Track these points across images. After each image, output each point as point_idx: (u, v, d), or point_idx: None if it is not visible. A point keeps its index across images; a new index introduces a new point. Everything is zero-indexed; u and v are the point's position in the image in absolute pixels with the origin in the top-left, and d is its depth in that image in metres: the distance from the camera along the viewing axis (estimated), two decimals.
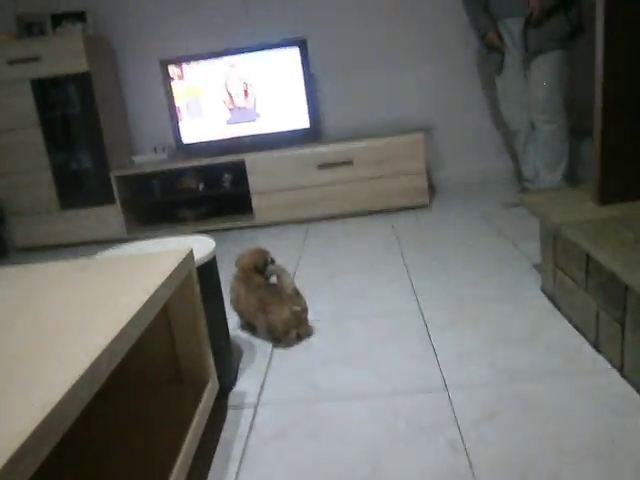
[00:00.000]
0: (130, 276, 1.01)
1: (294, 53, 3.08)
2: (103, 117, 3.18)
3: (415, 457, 1.11)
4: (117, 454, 1.02)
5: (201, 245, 1.41)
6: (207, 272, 1.34)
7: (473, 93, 3.44)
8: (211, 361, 1.23)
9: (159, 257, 1.10)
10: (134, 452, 1.01)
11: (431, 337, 1.59)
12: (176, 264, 1.05)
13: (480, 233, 2.50)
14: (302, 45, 3.07)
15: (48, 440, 0.58)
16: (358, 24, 3.36)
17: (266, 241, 2.87)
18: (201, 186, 3.27)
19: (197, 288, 1.18)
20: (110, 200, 3.22)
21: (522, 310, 1.68)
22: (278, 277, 1.61)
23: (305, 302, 1.63)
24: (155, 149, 3.55)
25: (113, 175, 3.18)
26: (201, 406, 1.13)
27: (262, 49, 3.09)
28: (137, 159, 3.49)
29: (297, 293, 1.61)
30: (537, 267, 2.00)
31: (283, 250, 2.65)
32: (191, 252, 1.15)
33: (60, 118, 3.23)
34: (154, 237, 3.20)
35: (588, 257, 1.41)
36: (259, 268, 1.68)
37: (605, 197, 1.62)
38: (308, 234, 2.89)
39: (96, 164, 3.23)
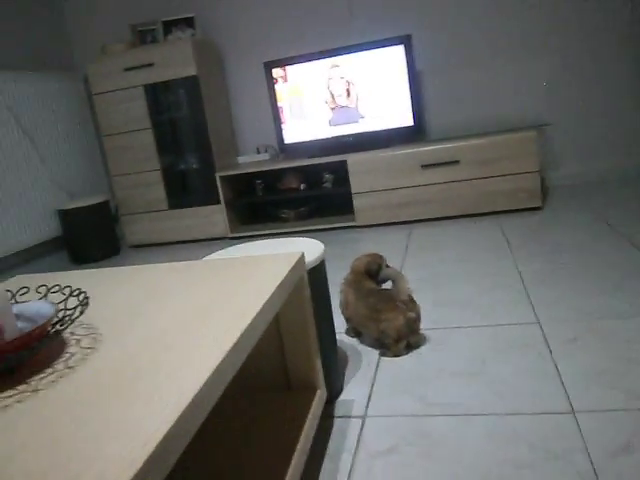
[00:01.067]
0: (244, 279, 0.98)
1: (398, 50, 3.00)
2: (210, 119, 3.28)
3: None
4: (228, 462, 1.00)
5: (310, 248, 1.38)
6: (316, 276, 1.30)
7: (590, 87, 3.19)
8: (320, 368, 1.19)
9: (272, 260, 1.07)
10: (245, 461, 0.99)
11: (552, 353, 1.46)
12: (289, 268, 1.02)
13: (601, 239, 2.29)
14: (407, 42, 2.98)
15: (176, 448, 0.56)
16: (465, 16, 3.21)
17: (367, 243, 2.82)
18: (303, 186, 3.28)
19: (308, 293, 1.14)
20: (215, 200, 3.31)
21: None
22: (394, 281, 1.55)
23: (419, 309, 1.56)
24: (258, 149, 3.60)
25: (218, 175, 3.26)
26: (311, 415, 1.09)
27: (366, 49, 3.04)
28: (241, 159, 3.57)
29: (412, 299, 1.53)
30: None
31: (385, 253, 2.58)
32: (302, 256, 1.12)
33: (170, 121, 3.36)
34: (257, 236, 3.27)
35: None
36: (372, 273, 1.62)
37: None
38: (411, 236, 2.80)
39: (202, 165, 3.33)
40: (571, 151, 3.30)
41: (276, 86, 3.21)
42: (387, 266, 1.65)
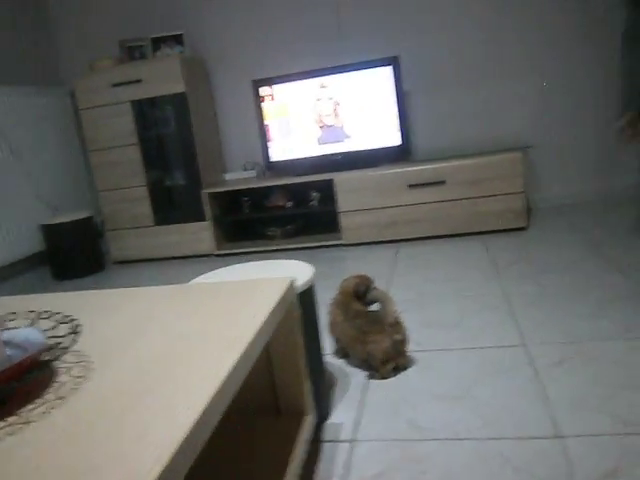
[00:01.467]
0: (236, 305, 0.98)
1: (386, 71, 3.04)
2: (197, 135, 3.28)
3: None
4: None
5: (299, 270, 1.38)
6: (305, 299, 1.30)
7: (573, 110, 3.25)
8: (309, 393, 1.19)
9: (263, 285, 1.08)
10: None
11: (538, 376, 1.47)
12: (281, 293, 1.02)
13: (586, 259, 2.32)
14: (394, 63, 3.02)
15: (181, 469, 0.55)
16: (452, 38, 3.27)
17: (354, 261, 2.83)
18: (289, 204, 3.29)
19: (298, 317, 1.14)
20: (201, 216, 3.30)
21: None
22: (381, 303, 1.55)
23: (406, 331, 1.56)
24: (245, 166, 3.61)
25: (205, 192, 3.25)
26: (300, 441, 1.08)
27: (354, 69, 3.08)
28: (227, 176, 3.57)
29: (398, 322, 1.54)
30: None
31: (372, 272, 2.58)
32: (293, 281, 1.12)
33: (157, 137, 3.35)
34: (243, 254, 3.26)
35: None
36: (360, 294, 1.62)
37: None
38: (398, 255, 2.81)
39: (189, 181, 3.33)
40: (554, 173, 3.36)
41: (263, 104, 3.23)
42: (374, 288, 1.66)
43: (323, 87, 3.13)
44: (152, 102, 3.28)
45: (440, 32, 3.27)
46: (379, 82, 3.06)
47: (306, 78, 3.14)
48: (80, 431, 0.63)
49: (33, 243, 3.29)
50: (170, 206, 3.42)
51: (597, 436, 1.19)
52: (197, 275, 3.00)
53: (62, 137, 3.59)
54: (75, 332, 0.81)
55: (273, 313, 0.95)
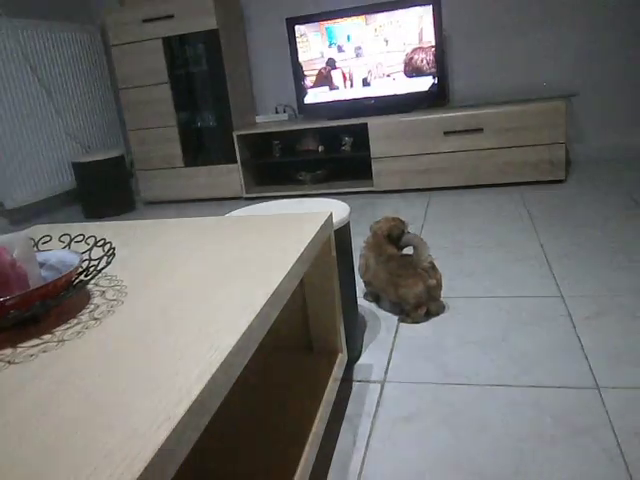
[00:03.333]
0: (274, 237, 0.95)
1: (427, 11, 2.89)
2: (229, 76, 3.20)
3: (564, 462, 0.98)
4: (250, 423, 0.99)
5: (335, 209, 1.34)
6: (341, 238, 1.27)
7: (619, 59, 3.07)
8: (342, 332, 1.17)
9: (301, 219, 1.04)
10: (267, 423, 0.97)
11: (576, 327, 1.43)
12: (318, 227, 0.98)
13: (625, 214, 2.23)
14: (436, 3, 2.87)
15: (210, 408, 0.53)
16: None
17: (385, 208, 2.77)
18: (321, 148, 3.22)
19: (334, 254, 1.11)
20: (231, 159, 3.26)
21: None
22: (415, 248, 1.51)
23: (441, 276, 1.52)
24: (276, 109, 3.53)
25: (236, 134, 3.20)
26: (332, 378, 1.07)
27: (394, 8, 2.93)
28: (258, 119, 3.50)
29: (433, 266, 1.50)
30: None
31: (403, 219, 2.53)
32: (331, 216, 1.08)
33: (188, 76, 3.29)
34: (272, 197, 3.23)
35: None
36: (393, 237, 1.58)
37: None
38: (430, 204, 2.75)
39: (220, 123, 3.28)
40: (597, 124, 3.21)
41: (300, 43, 3.12)
42: (408, 232, 1.62)
43: (361, 25, 3.00)
44: (183, 39, 3.20)
45: None
46: (419, 22, 2.92)
47: (342, 16, 3.01)
48: (115, 352, 0.62)
49: (65, 181, 3.30)
50: (200, 147, 3.38)
51: (635, 389, 1.16)
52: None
53: (93, 74, 3.54)
54: (110, 255, 0.79)
55: (311, 245, 0.92)
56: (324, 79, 3.13)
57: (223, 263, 0.86)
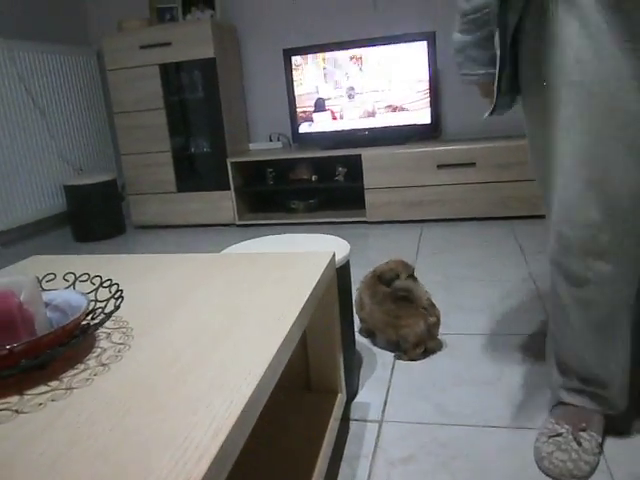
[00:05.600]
0: (281, 278, 0.95)
1: (421, 46, 2.95)
2: (224, 103, 3.22)
3: None
4: (253, 464, 0.97)
5: (335, 245, 1.35)
6: (340, 276, 1.27)
7: None
8: (342, 371, 1.17)
9: (304, 258, 1.04)
10: (270, 464, 0.96)
11: None
12: (323, 267, 0.99)
13: None
14: (430, 38, 2.94)
15: (229, 460, 0.53)
16: None
17: (377, 239, 2.79)
18: (314, 177, 3.24)
19: (336, 294, 1.11)
20: (224, 185, 3.27)
21: None
22: (409, 291, 1.52)
23: (440, 313, 1.53)
24: (270, 137, 3.56)
25: (230, 161, 3.21)
26: (333, 419, 1.06)
27: (388, 43, 2.99)
28: (252, 146, 3.52)
29: (432, 304, 1.50)
30: None
31: (396, 251, 2.55)
32: (334, 256, 1.09)
33: (183, 102, 3.31)
34: (264, 225, 3.23)
35: None
36: (385, 280, 1.57)
37: None
38: (422, 236, 2.77)
39: (214, 149, 3.29)
40: None
41: (295, 74, 3.16)
42: (410, 276, 1.61)
43: (356, 58, 3.05)
44: (180, 66, 3.23)
45: None
46: (413, 57, 2.98)
47: (339, 49, 3.06)
48: (127, 403, 0.61)
49: (56, 203, 3.28)
50: (193, 173, 3.39)
51: (631, 441, 1.16)
52: (218, 244, 2.99)
53: (87, 98, 3.55)
54: (117, 297, 0.79)
55: (317, 287, 0.92)
56: (314, 113, 3.17)
57: (230, 305, 0.86)
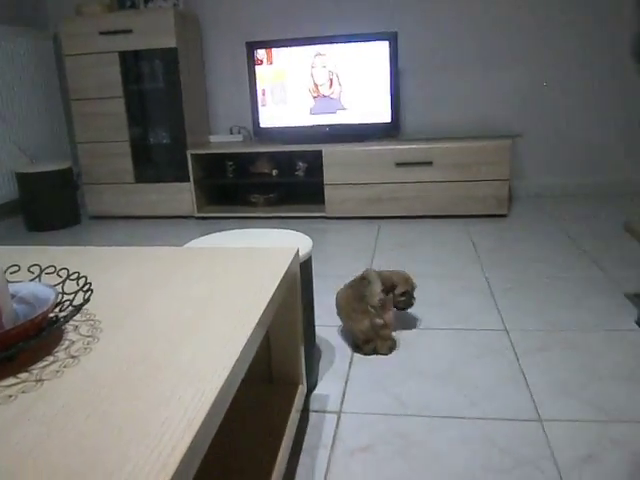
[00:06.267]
0: (246, 272, 0.97)
1: (383, 46, 3.00)
2: (185, 94, 3.20)
3: None
4: (215, 455, 0.99)
5: (297, 241, 1.38)
6: (303, 271, 1.30)
7: (564, 103, 3.29)
8: (303, 363, 1.20)
9: (269, 253, 1.07)
10: (232, 455, 0.99)
11: (520, 361, 1.51)
12: (288, 262, 1.01)
13: (563, 251, 2.38)
14: (392, 38, 2.99)
15: (199, 454, 0.55)
16: (451, 22, 3.24)
17: (337, 235, 2.83)
18: (274, 172, 3.25)
19: (299, 288, 1.14)
20: (184, 177, 3.24)
21: (617, 343, 1.58)
22: (369, 283, 1.55)
23: (392, 317, 1.57)
24: (231, 130, 3.55)
25: (189, 153, 3.19)
26: (294, 410, 1.09)
27: (351, 40, 3.03)
28: (212, 139, 3.50)
29: (383, 306, 1.54)
30: (630, 297, 1.88)
31: (355, 246, 2.60)
32: (297, 251, 1.12)
33: (143, 91, 3.26)
34: (224, 218, 3.22)
35: None
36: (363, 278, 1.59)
37: None
38: (380, 232, 2.83)
39: (173, 140, 3.26)
40: (538, 163, 3.41)
41: (257, 67, 3.16)
42: (409, 293, 1.64)
43: (319, 55, 3.07)
44: (141, 55, 3.18)
45: (439, 13, 3.24)
46: (375, 57, 3.03)
47: (303, 44, 3.08)
48: (99, 394, 0.62)
49: (8, 191, 3.18)
50: (152, 164, 3.35)
51: (575, 421, 1.24)
52: (177, 236, 2.97)
53: (43, 83, 3.45)
54: (86, 290, 0.79)
55: (282, 282, 0.95)
56: (278, 103, 3.18)
57: (198, 298, 0.87)
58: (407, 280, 1.67)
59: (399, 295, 1.64)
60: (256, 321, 0.78)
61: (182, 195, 3.28)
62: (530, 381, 1.41)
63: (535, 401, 1.32)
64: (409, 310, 1.80)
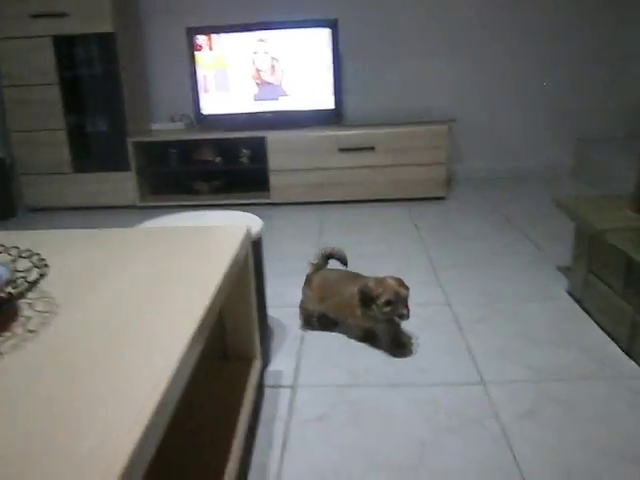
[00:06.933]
0: (197, 249, 0.99)
1: (325, 33, 3.03)
2: (125, 81, 3.12)
3: (459, 449, 1.11)
4: (174, 432, 1.01)
5: (247, 221, 1.40)
6: (255, 250, 1.33)
7: (496, 89, 3.43)
8: (257, 339, 1.23)
9: (221, 231, 1.09)
10: (191, 430, 1.01)
11: (462, 331, 1.60)
12: (240, 240, 1.04)
13: (499, 229, 2.50)
14: (333, 26, 3.02)
15: (168, 410, 0.57)
16: (393, 6, 3.31)
17: (283, 221, 2.86)
18: (218, 159, 3.24)
19: (252, 265, 1.17)
20: (125, 166, 3.18)
21: (551, 311, 1.69)
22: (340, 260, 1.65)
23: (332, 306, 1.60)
24: (173, 118, 3.50)
25: (130, 141, 3.13)
26: (250, 384, 1.12)
27: (292, 27, 3.04)
28: (154, 126, 3.45)
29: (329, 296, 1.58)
30: (561, 269, 2.01)
31: (300, 231, 2.63)
32: (249, 229, 1.14)
33: (80, 78, 3.16)
34: (168, 207, 3.18)
35: (629, 263, 1.41)
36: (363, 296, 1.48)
37: None
38: (325, 217, 2.88)
39: (113, 128, 3.18)
40: (472, 148, 3.54)
41: (197, 54, 3.13)
42: (393, 302, 1.45)
43: (261, 41, 3.07)
44: (77, 40, 3.07)
45: (380, 0, 3.30)
46: (317, 43, 3.06)
47: (244, 30, 3.07)
48: (62, 363, 0.63)
49: None
50: (91, 153, 3.26)
51: (515, 382, 1.33)
52: (120, 226, 2.90)
53: None
54: (40, 266, 0.79)
55: (236, 257, 0.97)
56: (221, 90, 3.16)
57: (153, 275, 0.89)
58: (390, 287, 1.44)
59: (383, 305, 1.42)
60: (213, 293, 0.80)
61: (124, 185, 3.22)
62: (472, 349, 1.49)
63: (478, 367, 1.41)
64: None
